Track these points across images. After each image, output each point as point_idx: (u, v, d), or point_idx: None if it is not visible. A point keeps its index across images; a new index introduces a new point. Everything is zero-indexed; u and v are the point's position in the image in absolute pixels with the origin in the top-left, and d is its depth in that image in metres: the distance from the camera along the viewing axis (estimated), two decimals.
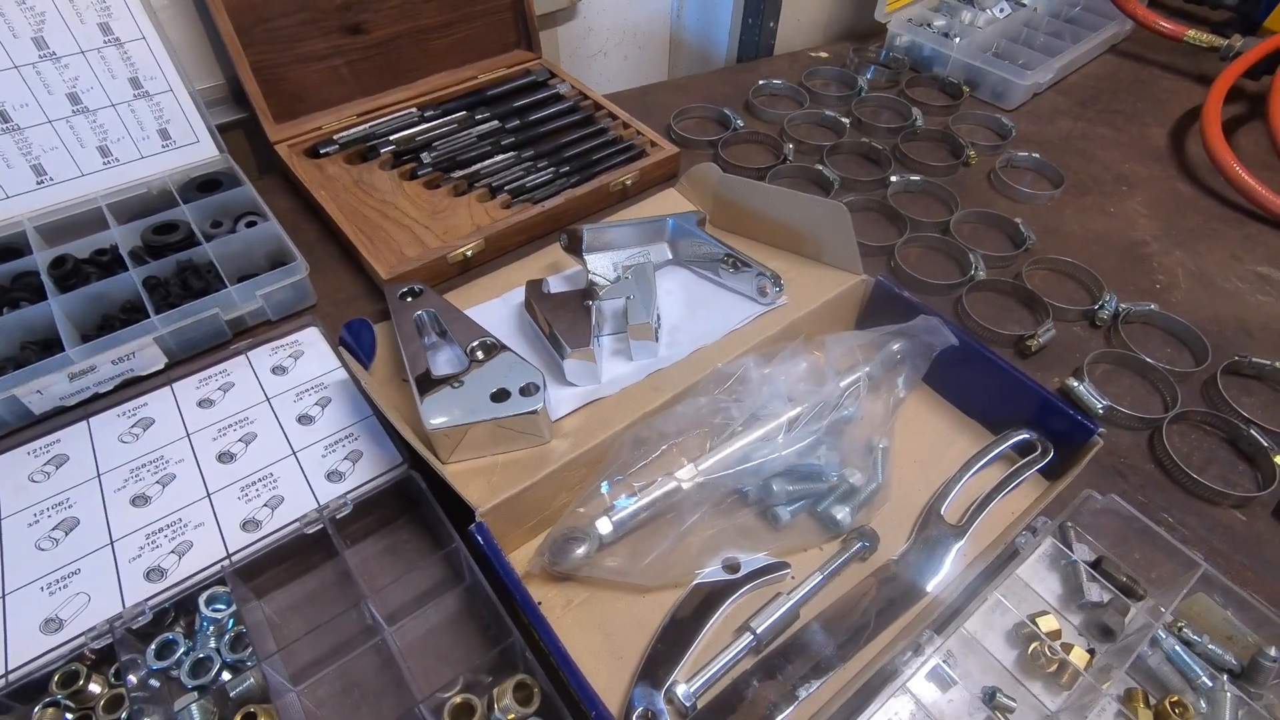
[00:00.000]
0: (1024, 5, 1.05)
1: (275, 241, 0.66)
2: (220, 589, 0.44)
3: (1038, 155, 0.84)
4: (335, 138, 0.78)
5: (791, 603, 0.46)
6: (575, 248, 0.63)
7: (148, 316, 0.57)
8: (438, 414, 0.48)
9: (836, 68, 0.99)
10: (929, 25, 1.01)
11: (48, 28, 0.63)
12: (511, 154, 0.78)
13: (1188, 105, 0.94)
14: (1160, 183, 0.84)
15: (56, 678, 0.41)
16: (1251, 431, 0.57)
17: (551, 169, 0.77)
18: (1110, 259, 0.74)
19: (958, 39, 0.97)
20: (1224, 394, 0.60)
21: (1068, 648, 0.44)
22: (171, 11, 0.72)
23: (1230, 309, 0.69)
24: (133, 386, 0.58)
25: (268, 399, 0.57)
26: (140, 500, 0.50)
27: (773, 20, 1.02)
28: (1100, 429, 0.50)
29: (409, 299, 0.59)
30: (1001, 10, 1.03)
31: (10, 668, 0.42)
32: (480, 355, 0.54)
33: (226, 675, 0.42)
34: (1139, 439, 0.59)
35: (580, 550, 0.47)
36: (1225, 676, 0.43)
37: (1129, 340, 0.64)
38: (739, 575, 0.48)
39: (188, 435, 0.54)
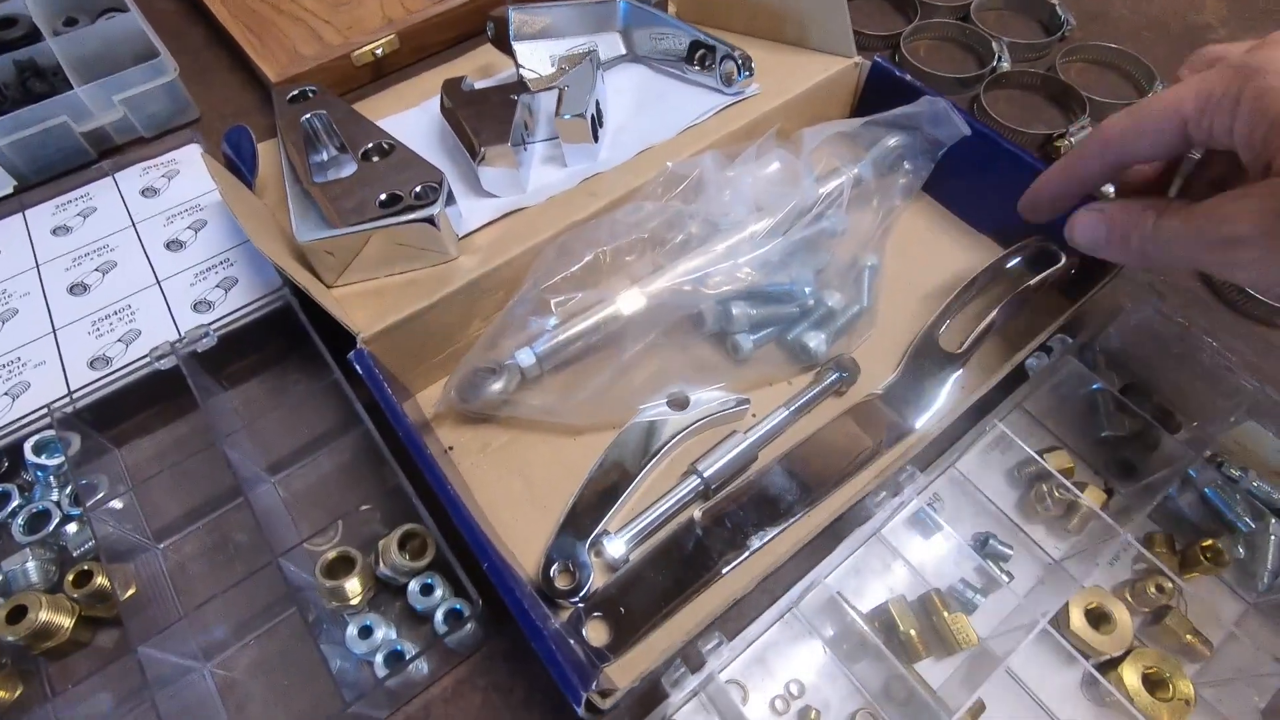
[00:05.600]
0: None
1: (140, 39, 0.54)
2: (50, 434, 0.37)
3: None
4: None
5: (748, 442, 0.39)
6: (502, 35, 0.51)
7: None
8: (313, 226, 0.39)
9: None
10: None
11: None
12: None
13: None
14: None
15: None
16: None
17: None
18: (1164, 47, 0.60)
19: None
20: None
21: (1081, 486, 0.36)
22: None
23: None
24: None
25: (133, 224, 0.47)
26: None
27: None
28: None
29: (299, 103, 0.48)
30: None
31: None
32: (376, 159, 0.44)
33: (72, 529, 0.36)
34: None
35: (496, 385, 0.39)
36: (1274, 520, 0.36)
37: None
38: (687, 412, 0.40)
39: (36, 266, 0.45)
